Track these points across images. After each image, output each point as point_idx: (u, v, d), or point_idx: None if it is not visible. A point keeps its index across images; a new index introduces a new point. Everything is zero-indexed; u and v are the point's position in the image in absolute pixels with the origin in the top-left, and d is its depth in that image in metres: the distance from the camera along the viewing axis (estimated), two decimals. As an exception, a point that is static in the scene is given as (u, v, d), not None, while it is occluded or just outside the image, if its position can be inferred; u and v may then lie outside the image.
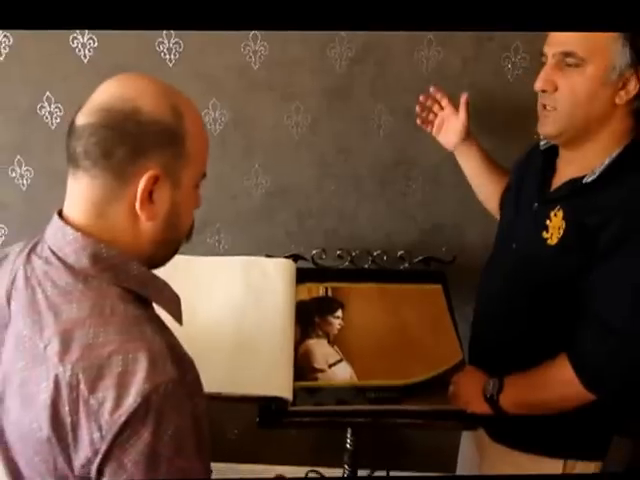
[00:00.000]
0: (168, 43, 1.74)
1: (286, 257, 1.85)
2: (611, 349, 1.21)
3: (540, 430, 1.37)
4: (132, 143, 0.82)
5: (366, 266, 1.96)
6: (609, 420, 1.40)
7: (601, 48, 1.15)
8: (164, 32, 1.71)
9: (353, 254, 1.96)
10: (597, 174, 1.22)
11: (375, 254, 1.96)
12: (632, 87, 1.17)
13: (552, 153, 1.37)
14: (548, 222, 1.28)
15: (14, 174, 1.92)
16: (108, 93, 0.85)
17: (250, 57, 1.75)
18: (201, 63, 1.77)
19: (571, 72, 1.19)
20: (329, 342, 1.55)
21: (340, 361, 1.49)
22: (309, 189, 1.95)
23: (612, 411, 1.37)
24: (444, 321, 1.65)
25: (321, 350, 1.51)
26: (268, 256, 1.78)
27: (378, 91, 1.80)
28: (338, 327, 1.61)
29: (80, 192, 0.86)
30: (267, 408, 1.36)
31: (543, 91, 1.24)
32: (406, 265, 1.92)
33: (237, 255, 1.75)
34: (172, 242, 0.94)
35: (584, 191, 1.24)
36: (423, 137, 1.79)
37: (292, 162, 1.90)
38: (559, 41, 1.20)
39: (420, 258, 1.91)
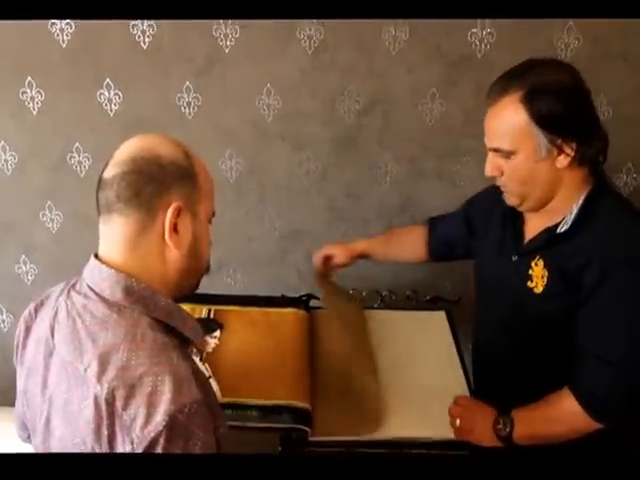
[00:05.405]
0: (187, 97, 1.84)
1: (301, 297, 1.90)
2: (611, 380, 1.27)
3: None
4: (156, 182, 0.95)
5: (375, 305, 2.03)
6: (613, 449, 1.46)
7: (521, 138, 1.24)
8: (184, 87, 1.82)
9: (364, 294, 2.04)
10: (570, 223, 1.30)
11: (384, 294, 2.03)
12: (568, 151, 1.25)
13: None
14: (531, 272, 1.36)
15: (45, 218, 2.01)
16: (130, 147, 0.99)
17: (264, 110, 1.85)
18: (218, 116, 1.87)
19: (506, 160, 1.29)
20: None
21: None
22: (320, 232, 2.02)
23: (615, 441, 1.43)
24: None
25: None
26: (283, 296, 1.86)
27: (384, 141, 1.89)
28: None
29: (114, 233, 0.98)
30: (288, 438, 1.43)
31: (493, 176, 1.34)
32: (414, 304, 1.98)
33: (252, 293, 1.80)
34: (195, 271, 1.05)
35: (560, 239, 1.32)
36: (427, 184, 1.88)
37: (303, 207, 1.99)
38: (488, 137, 1.30)
39: (428, 298, 1.95)
